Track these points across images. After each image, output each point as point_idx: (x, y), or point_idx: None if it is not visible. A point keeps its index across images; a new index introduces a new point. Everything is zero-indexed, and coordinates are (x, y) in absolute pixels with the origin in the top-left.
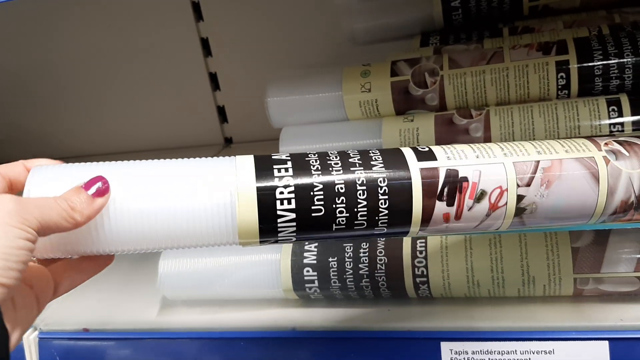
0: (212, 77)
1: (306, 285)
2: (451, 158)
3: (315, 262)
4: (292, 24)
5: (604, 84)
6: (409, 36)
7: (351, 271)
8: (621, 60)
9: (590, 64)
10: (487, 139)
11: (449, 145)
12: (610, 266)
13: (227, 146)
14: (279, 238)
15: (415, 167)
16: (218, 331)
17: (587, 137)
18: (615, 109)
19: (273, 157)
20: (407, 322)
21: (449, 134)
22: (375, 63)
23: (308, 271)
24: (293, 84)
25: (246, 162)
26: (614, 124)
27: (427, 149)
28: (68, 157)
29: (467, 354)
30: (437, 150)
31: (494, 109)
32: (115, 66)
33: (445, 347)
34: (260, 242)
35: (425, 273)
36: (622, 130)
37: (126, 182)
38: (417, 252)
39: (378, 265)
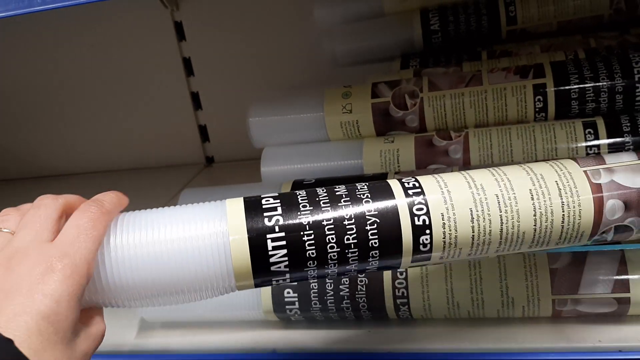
0: (194, 96)
1: (287, 307)
2: (445, 254)
3: (295, 283)
4: (274, 45)
5: (580, 107)
6: (389, 58)
7: (332, 292)
8: (597, 83)
9: (566, 87)
10: (466, 160)
11: (451, 232)
12: (588, 287)
13: (209, 165)
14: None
15: (408, 261)
16: (198, 353)
17: None
18: (592, 131)
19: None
20: (388, 343)
21: (428, 156)
22: (356, 85)
23: (289, 293)
24: (275, 104)
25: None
26: (590, 146)
27: (429, 245)
28: (51, 175)
29: None
30: (436, 243)
31: (473, 130)
32: (98, 85)
33: None
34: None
35: (405, 294)
36: (599, 153)
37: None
38: (398, 274)
39: (359, 286)
